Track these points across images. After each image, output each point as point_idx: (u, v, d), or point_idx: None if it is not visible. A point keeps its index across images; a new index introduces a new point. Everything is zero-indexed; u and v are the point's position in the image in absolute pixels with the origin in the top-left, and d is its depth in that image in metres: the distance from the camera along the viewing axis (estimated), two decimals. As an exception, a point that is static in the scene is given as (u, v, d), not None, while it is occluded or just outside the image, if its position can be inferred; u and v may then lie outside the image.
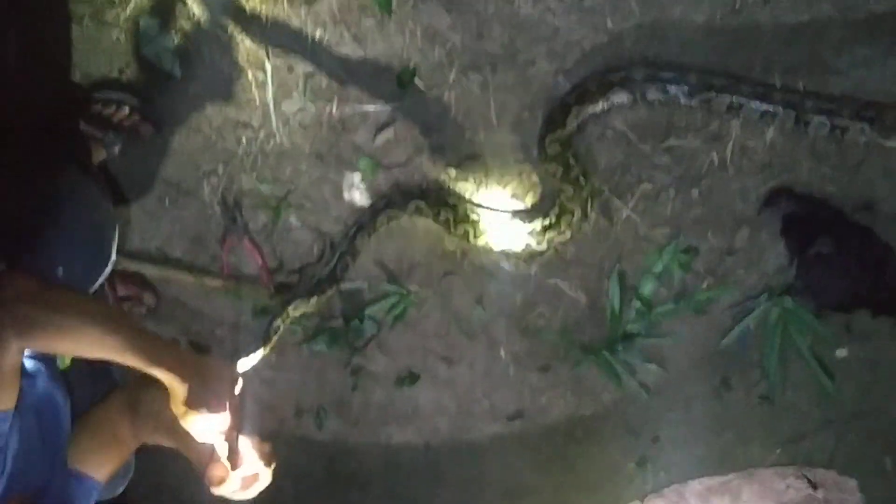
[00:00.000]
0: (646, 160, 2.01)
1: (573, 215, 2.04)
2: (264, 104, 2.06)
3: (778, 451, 2.46)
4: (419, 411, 2.56)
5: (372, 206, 2.14)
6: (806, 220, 2.00)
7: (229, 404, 1.65)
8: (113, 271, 2.05)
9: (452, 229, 2.12)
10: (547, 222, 2.07)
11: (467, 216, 2.10)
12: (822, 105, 1.80)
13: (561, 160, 1.97)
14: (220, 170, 2.19)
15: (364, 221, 2.14)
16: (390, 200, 2.13)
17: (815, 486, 2.49)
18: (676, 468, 2.54)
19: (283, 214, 2.23)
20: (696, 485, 2.56)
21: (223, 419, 1.64)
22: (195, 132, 2.14)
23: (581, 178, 2.00)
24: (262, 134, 2.11)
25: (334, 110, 2.05)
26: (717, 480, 2.55)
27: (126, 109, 2.01)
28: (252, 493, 1.75)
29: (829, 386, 2.21)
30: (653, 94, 1.85)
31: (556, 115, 1.92)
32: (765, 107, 1.81)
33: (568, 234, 2.09)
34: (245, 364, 1.99)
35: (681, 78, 1.82)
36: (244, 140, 2.13)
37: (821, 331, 2.15)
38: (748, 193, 2.02)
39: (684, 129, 1.95)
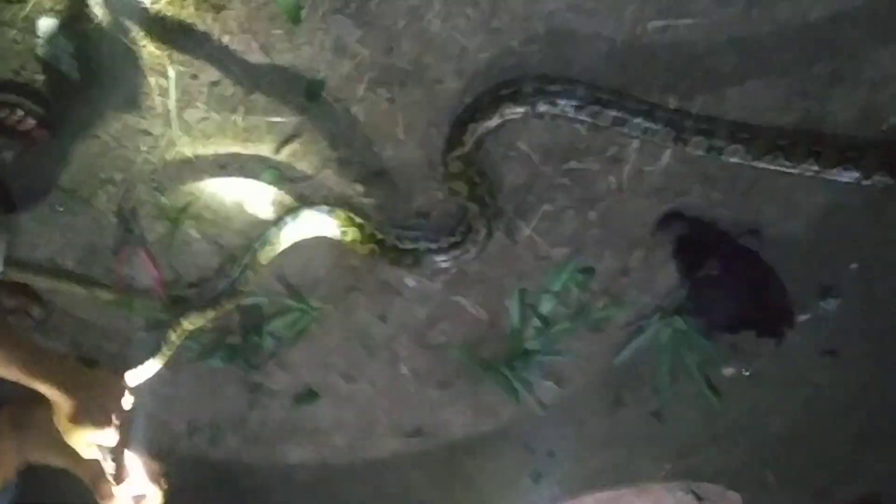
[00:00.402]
0: (547, 181, 2.06)
1: (479, 234, 2.07)
2: (166, 111, 2.01)
3: (667, 465, 2.55)
4: (318, 428, 2.53)
5: (278, 219, 2.11)
6: (696, 243, 2.10)
7: (116, 419, 1.60)
8: (0, 282, 1.96)
9: (358, 249, 2.11)
10: (453, 240, 2.10)
11: (373, 235, 2.10)
12: (700, 125, 1.89)
13: (465, 178, 1.99)
14: (118, 178, 2.12)
15: (269, 235, 2.11)
16: (297, 216, 2.10)
17: (700, 500, 2.60)
18: (570, 482, 2.60)
19: (183, 226, 2.17)
20: (588, 499, 2.62)
21: (109, 435, 1.58)
22: (93, 138, 2.06)
23: (486, 197, 2.03)
24: (162, 142, 2.06)
25: (239, 120, 2.01)
26: (608, 494, 2.62)
27: (20, 113, 1.92)
28: None
29: (716, 403, 2.31)
30: (542, 107, 1.90)
31: (455, 132, 1.95)
32: (647, 124, 1.89)
33: (473, 253, 2.11)
34: (135, 378, 1.92)
35: (569, 92, 1.88)
36: (144, 148, 2.07)
37: (709, 350, 2.24)
38: (643, 216, 2.10)
39: (584, 152, 2.01)
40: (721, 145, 1.89)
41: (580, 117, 1.91)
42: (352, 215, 2.09)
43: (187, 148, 2.06)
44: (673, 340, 2.24)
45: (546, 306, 2.25)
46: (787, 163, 1.88)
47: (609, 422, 2.47)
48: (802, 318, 2.22)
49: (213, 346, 2.35)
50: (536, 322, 2.27)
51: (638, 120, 1.89)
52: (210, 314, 2.15)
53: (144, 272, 2.23)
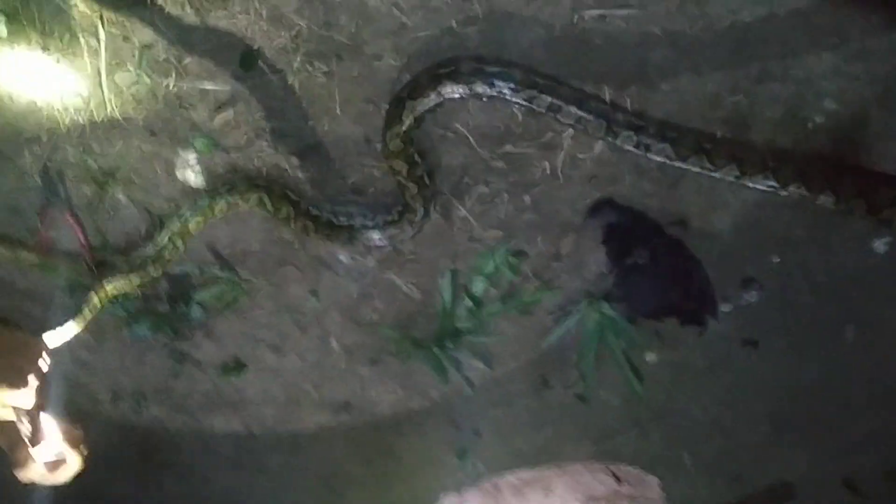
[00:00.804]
0: (483, 164, 2.07)
1: (416, 214, 2.06)
2: (96, 73, 1.95)
3: (589, 447, 2.61)
4: (245, 400, 2.52)
5: (213, 189, 2.08)
6: (625, 232, 2.13)
7: (33, 381, 1.56)
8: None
9: (292, 225, 2.10)
10: (390, 218, 2.09)
11: (307, 211, 2.08)
12: (631, 120, 1.92)
13: (404, 157, 1.99)
14: (44, 138, 2.05)
15: (202, 204, 2.07)
16: (233, 187, 2.08)
17: (619, 481, 2.66)
18: (495, 461, 2.64)
19: (111, 190, 2.13)
20: (511, 478, 2.67)
21: (25, 395, 1.55)
22: (18, 96, 2.00)
23: (425, 178, 2.03)
24: (91, 104, 2.00)
25: (171, 85, 1.97)
26: (530, 474, 2.67)
27: None
28: (62, 478, 1.67)
29: (638, 388, 2.35)
30: (480, 87, 1.90)
31: (393, 110, 1.94)
32: (580, 113, 1.91)
33: (409, 233, 2.11)
34: (53, 339, 1.88)
35: (507, 74, 1.89)
36: (71, 109, 2.01)
37: (634, 336, 2.29)
38: (575, 202, 2.12)
39: (520, 137, 2.02)
40: (649, 143, 1.92)
41: (516, 100, 1.92)
42: (288, 192, 2.07)
43: (117, 111, 2.01)
44: (599, 325, 2.28)
45: (478, 288, 2.27)
46: (710, 166, 1.92)
47: (535, 403, 2.51)
48: (725, 308, 2.28)
49: (139, 314, 2.32)
50: (468, 303, 2.28)
51: (572, 108, 1.91)
52: (135, 280, 2.12)
53: (69, 235, 2.18)
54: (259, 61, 1.93)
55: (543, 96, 1.89)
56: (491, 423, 2.58)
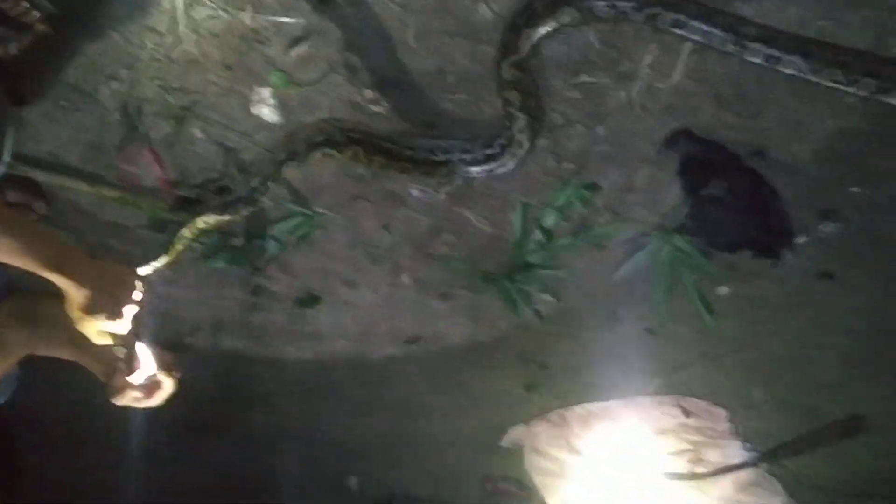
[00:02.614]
0: (557, 94, 2.04)
1: (521, 147, 2.04)
2: (173, 8, 1.97)
3: (657, 380, 2.62)
4: (319, 332, 2.58)
5: (309, 138, 2.10)
6: (702, 163, 2.10)
7: (128, 310, 1.62)
8: (3, 176, 1.95)
9: (390, 171, 2.13)
10: (490, 152, 2.08)
11: (401, 154, 2.09)
12: (761, 33, 1.85)
13: (520, 87, 1.94)
14: (123, 74, 2.08)
15: (299, 151, 2.10)
16: (330, 139, 2.09)
17: (687, 414, 2.68)
18: (563, 393, 2.68)
19: (187, 125, 2.16)
20: (578, 410, 2.71)
21: (122, 324, 1.61)
22: (98, 33, 2.02)
23: (537, 110, 1.99)
24: (169, 40, 2.02)
25: (247, 20, 1.97)
26: (598, 406, 2.70)
27: (24, 4, 1.88)
28: (156, 401, 1.74)
29: (709, 320, 2.35)
30: (601, 10, 1.84)
31: (510, 38, 1.89)
32: (706, 27, 1.85)
33: (511, 166, 2.10)
34: (146, 270, 1.95)
35: None
36: (149, 45, 2.03)
37: (707, 269, 2.27)
38: (651, 134, 2.09)
39: (596, 67, 1.99)
40: (779, 55, 1.85)
41: (639, 19, 1.85)
42: (380, 142, 2.09)
43: (194, 46, 2.03)
44: (672, 258, 2.26)
45: (549, 221, 2.26)
46: (844, 80, 1.86)
47: (604, 336, 2.53)
48: (801, 240, 2.24)
49: (216, 248, 2.37)
50: (539, 236, 2.29)
51: (696, 23, 1.84)
52: (226, 217, 2.17)
53: (149, 171, 2.23)
54: (335, -7, 1.93)
55: (668, 13, 1.84)
56: (559, 356, 2.61)
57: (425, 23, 1.95)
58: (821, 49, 1.85)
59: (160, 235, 2.25)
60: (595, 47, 1.95)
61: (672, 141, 2.09)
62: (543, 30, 1.87)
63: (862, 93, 1.87)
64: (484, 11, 1.91)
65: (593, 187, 2.20)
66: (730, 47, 1.87)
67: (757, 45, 1.86)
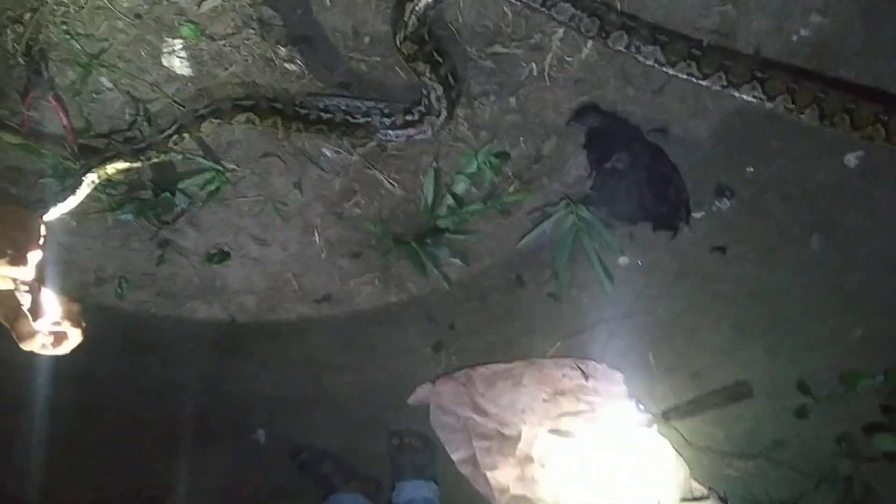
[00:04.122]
0: (472, 63, 2.07)
1: (439, 116, 2.07)
2: (80, -50, 1.91)
3: (558, 343, 2.72)
4: (227, 287, 2.57)
5: (235, 100, 2.08)
6: (607, 136, 2.17)
7: (32, 255, 1.60)
8: None
9: (305, 133, 2.15)
10: (410, 118, 2.10)
11: (319, 118, 2.10)
12: (624, 21, 1.92)
13: (423, 57, 1.95)
14: (27, 17, 2.01)
15: (224, 110, 2.07)
16: (256, 105, 2.07)
17: (586, 377, 2.79)
18: (468, 354, 2.75)
19: (94, 73, 2.10)
20: (483, 370, 2.79)
21: (25, 270, 1.59)
22: (-2, -28, 1.94)
23: (450, 78, 2.01)
24: (75, -16, 1.96)
25: (159, -31, 1.93)
26: (502, 367, 2.78)
27: None
28: (64, 349, 1.72)
29: (609, 288, 2.45)
30: None
31: (396, 13, 1.91)
32: (574, 10, 1.90)
33: (429, 134, 2.12)
34: (50, 215, 1.91)
35: None
36: (55, -12, 1.97)
37: (608, 239, 2.36)
38: (560, 105, 2.15)
39: (509, 38, 2.03)
40: (639, 44, 1.92)
41: None
42: (296, 108, 2.09)
43: (102, -8, 1.97)
44: (575, 227, 2.34)
45: (460, 187, 2.31)
46: (698, 74, 1.94)
47: (509, 300, 2.60)
48: (697, 214, 2.36)
49: (122, 200, 2.33)
50: (449, 201, 2.33)
51: (566, 5, 1.90)
52: (136, 164, 2.12)
53: (53, 117, 2.16)
54: (248, -53, 1.90)
55: None
56: (466, 318, 2.67)
57: (340, -17, 1.95)
58: (676, 42, 1.93)
59: (63, 182, 2.19)
60: (508, 18, 1.99)
61: (579, 113, 2.16)
62: (424, 1, 1.88)
63: (715, 87, 1.96)
64: (400, -28, 1.91)
65: (503, 155, 2.25)
66: (594, 33, 1.94)
67: (619, 33, 1.93)
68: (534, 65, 2.07)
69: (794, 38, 1.97)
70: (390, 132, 2.15)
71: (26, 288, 1.62)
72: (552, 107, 2.15)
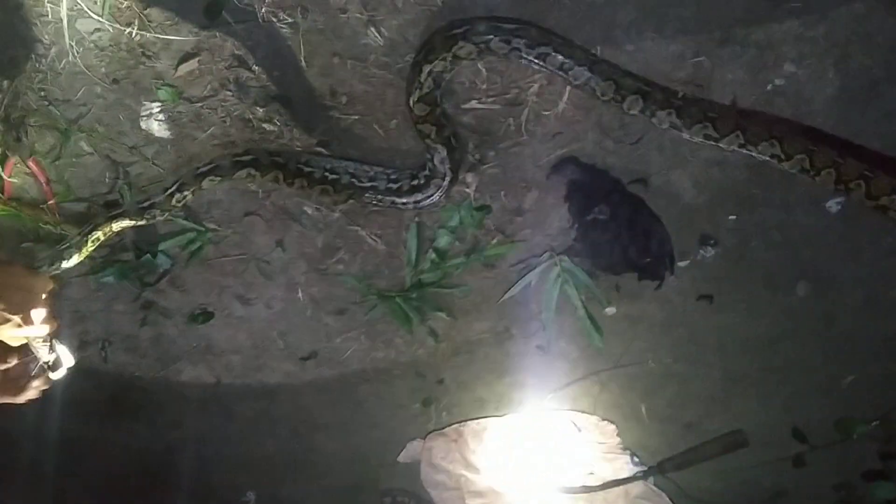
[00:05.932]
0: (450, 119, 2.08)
1: (444, 178, 2.08)
2: (57, 20, 1.92)
3: (549, 395, 2.68)
4: (212, 348, 2.56)
5: (235, 156, 2.08)
6: (587, 189, 2.17)
7: (35, 313, 1.60)
8: None
9: (311, 195, 2.17)
10: (416, 183, 2.11)
11: (324, 178, 2.10)
12: (638, 84, 1.94)
13: (432, 120, 1.98)
14: (5, 85, 2.03)
15: (224, 166, 2.07)
16: (256, 160, 2.07)
17: (579, 429, 2.75)
18: (458, 409, 2.72)
19: (73, 138, 2.11)
20: (473, 424, 2.75)
21: (32, 329, 1.60)
22: (-24, 41, 1.97)
23: (452, 139, 2.03)
24: (53, 51, 1.98)
25: (134, 34, 1.95)
26: (493, 421, 2.75)
27: None
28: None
29: (598, 340, 2.42)
30: (496, 45, 1.88)
31: (412, 74, 1.93)
32: (588, 75, 1.91)
33: (437, 198, 2.13)
34: (55, 271, 1.92)
35: (523, 31, 1.88)
36: (33, 56, 1.99)
37: (593, 290, 2.35)
38: (539, 159, 2.15)
39: (485, 93, 2.04)
40: (654, 108, 1.94)
41: (531, 58, 1.90)
42: (300, 166, 2.09)
43: (79, 59, 1.98)
44: (560, 279, 2.33)
45: (442, 241, 2.30)
46: (715, 135, 1.94)
47: (497, 353, 2.58)
48: (682, 263, 2.35)
49: (105, 262, 2.32)
50: (432, 255, 2.32)
51: (582, 69, 1.91)
52: (141, 222, 2.13)
53: (33, 182, 2.17)
54: (223, 11, 1.91)
55: (556, 55, 1.89)
56: (454, 373, 2.65)
57: (315, 44, 1.96)
58: (689, 105, 1.95)
59: (43, 247, 2.19)
60: (483, 75, 2.00)
61: (558, 167, 2.16)
62: (441, 64, 1.91)
63: (696, 139, 1.97)
64: (373, 35, 1.93)
65: (485, 209, 2.24)
66: (610, 97, 1.94)
67: (634, 97, 1.93)
68: (511, 119, 2.08)
69: (769, 87, 1.98)
70: (398, 199, 2.15)
71: (43, 343, 1.64)
72: (531, 160, 2.15)
